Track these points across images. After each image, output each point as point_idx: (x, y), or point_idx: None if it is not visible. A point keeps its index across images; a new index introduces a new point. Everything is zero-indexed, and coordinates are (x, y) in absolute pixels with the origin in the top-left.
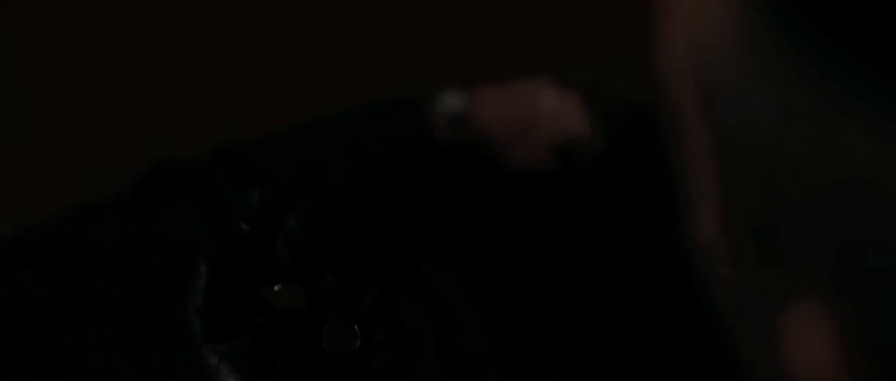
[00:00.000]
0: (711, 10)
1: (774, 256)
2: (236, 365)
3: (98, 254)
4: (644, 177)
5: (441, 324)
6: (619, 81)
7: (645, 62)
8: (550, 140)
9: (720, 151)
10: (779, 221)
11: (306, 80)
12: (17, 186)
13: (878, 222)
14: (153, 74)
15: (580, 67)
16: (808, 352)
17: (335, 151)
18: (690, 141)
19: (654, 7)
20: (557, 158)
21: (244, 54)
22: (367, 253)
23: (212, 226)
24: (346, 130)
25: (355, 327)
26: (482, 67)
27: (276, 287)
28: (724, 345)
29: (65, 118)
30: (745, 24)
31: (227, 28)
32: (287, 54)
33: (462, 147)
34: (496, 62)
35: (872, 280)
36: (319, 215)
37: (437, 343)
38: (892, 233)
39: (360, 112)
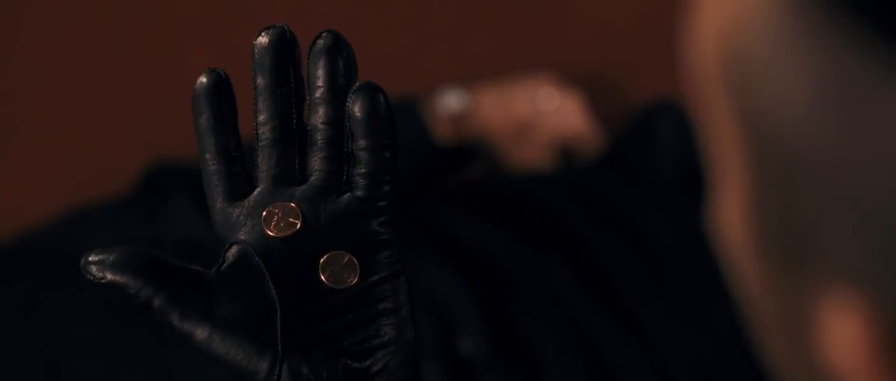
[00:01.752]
0: None
1: (804, 244)
2: (236, 331)
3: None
4: (647, 174)
5: (441, 325)
6: (622, 80)
7: (649, 61)
8: (551, 139)
9: (749, 137)
10: (811, 208)
11: None
12: (18, 187)
13: None
14: (152, 74)
15: (582, 66)
16: (839, 340)
17: None
18: (718, 129)
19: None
20: (558, 157)
21: (244, 54)
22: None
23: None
24: None
25: (354, 259)
26: (483, 67)
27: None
28: (749, 335)
29: (65, 119)
30: (780, 6)
31: (227, 27)
32: None
33: (463, 146)
34: (497, 62)
35: None
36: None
37: (436, 344)
38: None
39: None
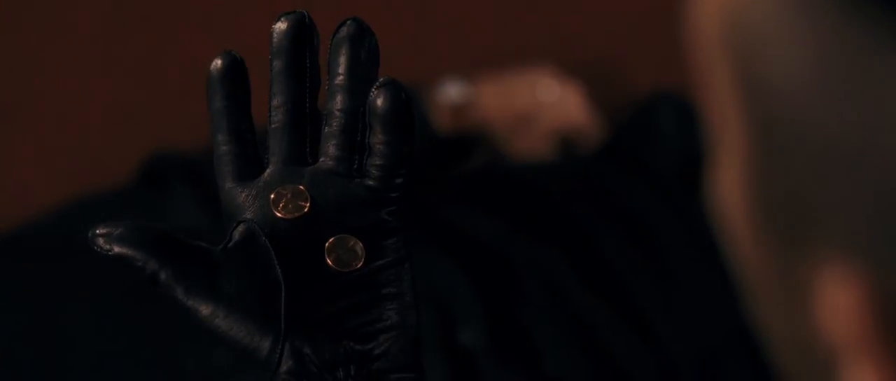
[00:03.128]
0: None
1: (803, 215)
2: (240, 308)
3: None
4: (647, 164)
5: (441, 315)
6: (623, 70)
7: (647, 50)
8: (552, 130)
9: (751, 108)
10: (811, 178)
11: None
12: (18, 178)
13: None
14: (152, 66)
15: (583, 56)
16: (836, 312)
17: None
18: (719, 100)
19: None
20: (559, 148)
21: (244, 45)
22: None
23: (211, 217)
24: None
25: (360, 243)
26: (484, 58)
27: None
28: (749, 323)
29: (64, 111)
30: None
31: (231, 18)
32: None
33: (463, 137)
34: (498, 53)
35: None
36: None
37: (437, 335)
38: None
39: None
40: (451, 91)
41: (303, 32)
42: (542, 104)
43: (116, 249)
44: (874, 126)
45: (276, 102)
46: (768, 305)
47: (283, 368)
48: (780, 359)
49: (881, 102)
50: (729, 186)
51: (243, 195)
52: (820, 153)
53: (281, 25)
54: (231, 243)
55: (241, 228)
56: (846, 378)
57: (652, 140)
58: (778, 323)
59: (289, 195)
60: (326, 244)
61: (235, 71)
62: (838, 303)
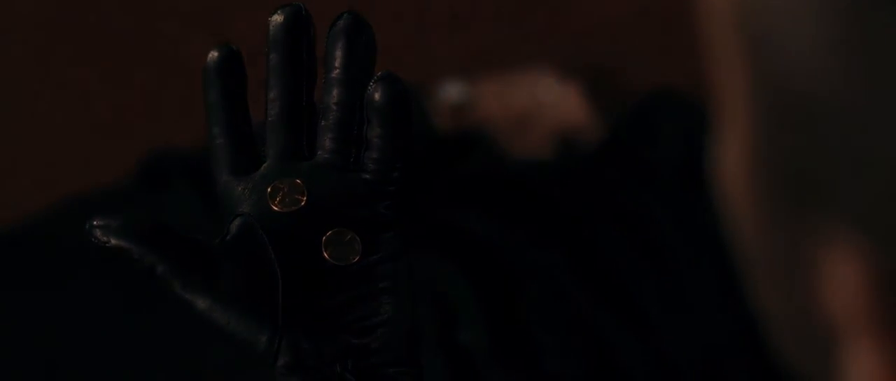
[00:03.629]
0: None
1: (811, 188)
2: (237, 302)
3: (96, 245)
4: (647, 162)
5: (441, 315)
6: (622, 70)
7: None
8: (551, 130)
9: (761, 79)
10: (822, 151)
11: None
12: (15, 177)
13: None
14: (152, 66)
15: (582, 56)
16: (840, 287)
17: None
18: (727, 70)
19: None
20: (558, 148)
21: (243, 42)
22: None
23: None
24: None
25: (357, 237)
26: (484, 58)
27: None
28: (746, 288)
29: (62, 109)
30: None
31: (228, 18)
32: None
33: (463, 137)
34: (498, 53)
35: None
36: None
37: (437, 335)
38: None
39: None
40: (451, 91)
41: (299, 25)
42: (542, 104)
43: (114, 241)
44: (886, 98)
45: (272, 95)
46: (770, 283)
47: (281, 361)
48: (779, 340)
49: (894, 73)
50: (733, 163)
51: (240, 188)
52: (831, 126)
53: (277, 18)
54: (228, 237)
55: (238, 221)
56: (847, 357)
57: (652, 140)
58: (779, 302)
59: (286, 189)
60: (324, 238)
61: (231, 63)
62: (841, 279)
